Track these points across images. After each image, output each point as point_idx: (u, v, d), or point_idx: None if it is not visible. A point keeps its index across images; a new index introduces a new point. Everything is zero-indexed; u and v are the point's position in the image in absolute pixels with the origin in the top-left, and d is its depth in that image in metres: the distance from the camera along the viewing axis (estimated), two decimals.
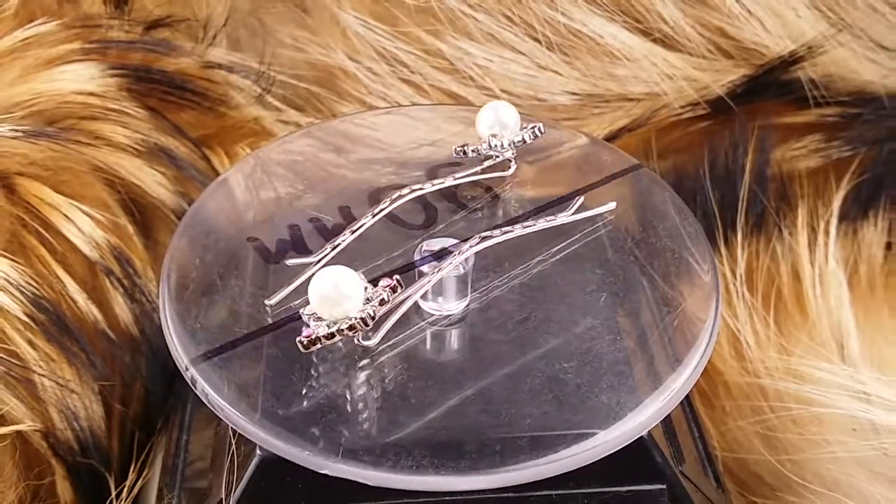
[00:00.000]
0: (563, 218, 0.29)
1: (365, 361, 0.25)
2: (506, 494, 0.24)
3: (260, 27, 0.39)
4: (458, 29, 0.37)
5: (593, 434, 0.23)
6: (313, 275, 0.24)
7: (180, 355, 0.25)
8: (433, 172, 0.31)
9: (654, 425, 0.24)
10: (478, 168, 0.30)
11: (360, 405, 0.24)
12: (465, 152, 0.30)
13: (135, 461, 0.31)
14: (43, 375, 0.30)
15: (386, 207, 0.28)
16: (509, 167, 0.30)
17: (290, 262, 0.27)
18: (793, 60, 0.38)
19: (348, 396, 0.24)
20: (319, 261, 0.27)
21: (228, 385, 0.24)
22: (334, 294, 0.24)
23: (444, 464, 0.23)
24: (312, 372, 0.25)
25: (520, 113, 0.31)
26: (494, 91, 0.38)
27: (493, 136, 0.30)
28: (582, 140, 0.33)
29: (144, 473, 0.31)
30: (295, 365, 0.25)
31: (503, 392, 0.24)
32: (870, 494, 0.30)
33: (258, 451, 0.24)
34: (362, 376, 0.25)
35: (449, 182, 0.30)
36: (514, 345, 0.26)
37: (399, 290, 0.25)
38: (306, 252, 0.27)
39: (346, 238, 0.27)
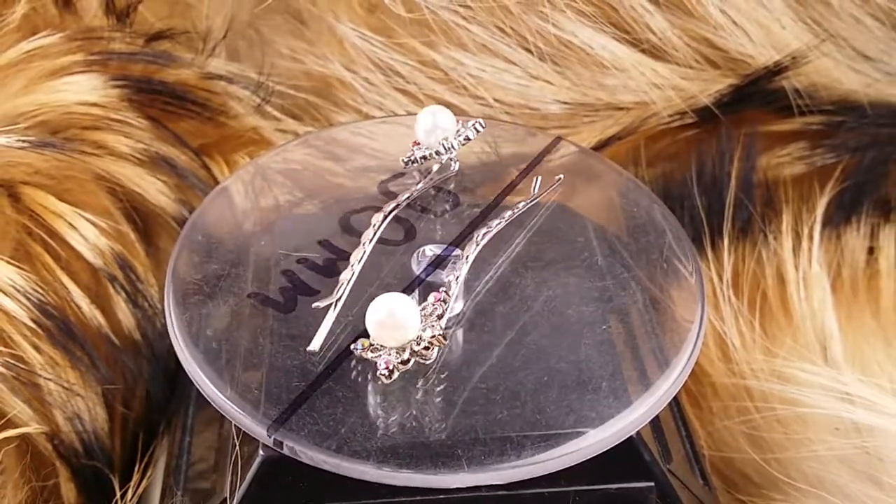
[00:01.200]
0: (530, 200, 0.30)
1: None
2: (498, 493, 0.24)
3: (258, 39, 0.39)
4: (451, 40, 0.38)
5: (584, 433, 0.24)
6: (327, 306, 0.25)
7: (255, 429, 0.24)
8: (386, 187, 0.31)
9: (643, 425, 0.25)
10: (434, 172, 0.31)
11: (360, 407, 0.25)
12: (415, 160, 0.30)
13: (138, 462, 0.31)
14: (48, 379, 0.31)
15: (377, 232, 0.28)
16: (451, 166, 0.31)
17: (316, 305, 0.26)
18: (778, 70, 0.38)
19: (352, 399, 0.25)
20: (340, 297, 0.26)
21: (323, 438, 0.24)
22: (393, 321, 0.24)
23: (439, 462, 0.23)
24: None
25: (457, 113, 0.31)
26: (487, 100, 0.38)
27: (445, 139, 0.31)
28: (519, 130, 0.34)
29: (148, 474, 0.31)
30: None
31: (496, 393, 0.25)
32: (851, 492, 0.30)
33: (261, 451, 0.24)
34: (363, 380, 0.25)
35: (416, 193, 0.30)
36: (506, 347, 0.26)
37: (448, 301, 0.25)
38: (314, 293, 0.27)
39: (354, 269, 0.27)
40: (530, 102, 0.38)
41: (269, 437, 0.24)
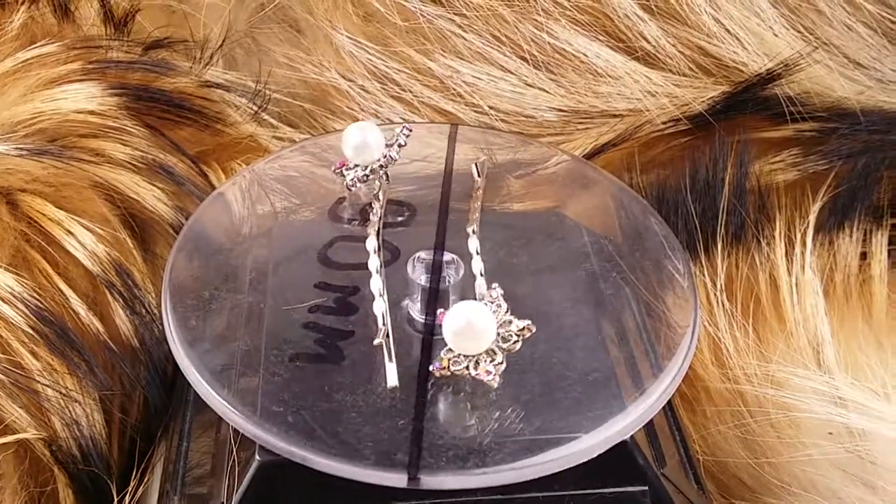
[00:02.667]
0: (480, 182, 0.31)
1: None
2: (494, 497, 0.25)
3: (255, 47, 0.39)
4: (447, 48, 0.38)
5: (577, 438, 0.24)
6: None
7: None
8: (336, 214, 0.31)
9: (636, 429, 0.25)
10: (381, 186, 0.31)
11: (359, 409, 0.25)
12: (361, 179, 0.31)
13: (136, 468, 0.31)
14: (46, 385, 0.31)
15: (381, 257, 0.28)
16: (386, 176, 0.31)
17: (378, 341, 0.26)
18: (770, 78, 0.38)
19: (347, 401, 0.25)
20: (387, 328, 0.26)
21: (462, 462, 0.24)
22: (473, 330, 0.25)
23: (435, 464, 0.24)
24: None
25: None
26: (482, 108, 0.39)
27: (388, 146, 0.31)
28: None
29: (145, 480, 0.31)
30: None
31: (491, 397, 0.25)
32: (845, 496, 0.30)
33: (257, 456, 0.24)
34: (362, 383, 0.26)
35: (382, 212, 0.30)
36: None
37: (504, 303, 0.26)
38: (349, 334, 0.27)
39: (384, 297, 0.27)
40: (525, 110, 0.39)
41: (412, 480, 0.23)
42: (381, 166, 0.31)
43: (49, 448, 0.31)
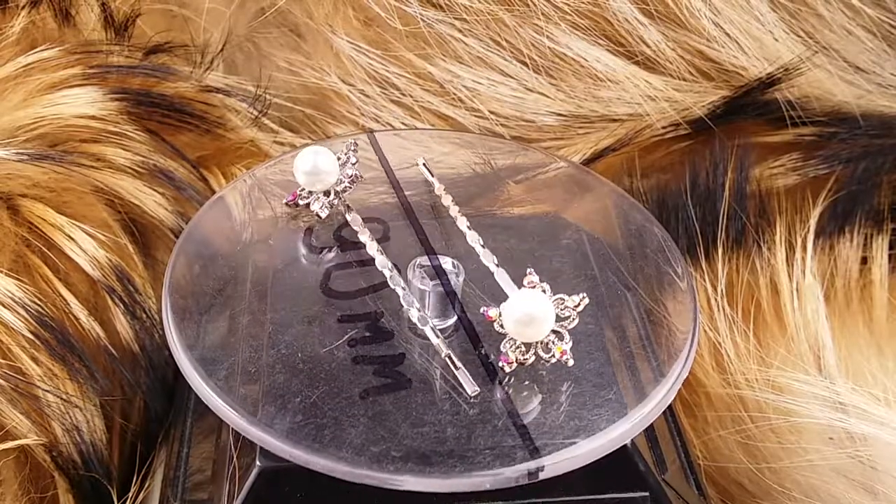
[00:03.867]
0: (434, 181, 0.31)
1: (366, 374, 0.26)
2: (495, 502, 0.25)
3: (256, 52, 0.39)
4: (447, 53, 0.38)
5: (577, 442, 0.24)
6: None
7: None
8: (310, 236, 0.30)
9: (637, 434, 0.25)
10: (340, 203, 0.30)
11: (359, 413, 0.25)
12: (331, 204, 0.30)
13: (136, 474, 0.32)
14: (47, 391, 0.31)
15: (404, 275, 0.28)
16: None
17: (459, 374, 0.26)
18: (770, 82, 0.39)
19: (347, 405, 0.25)
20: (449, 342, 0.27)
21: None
22: (531, 318, 0.25)
23: (432, 468, 0.24)
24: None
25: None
26: (483, 112, 0.39)
27: (351, 164, 0.30)
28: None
29: (146, 486, 0.31)
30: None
31: (491, 401, 0.25)
32: (846, 501, 0.30)
33: (258, 462, 0.25)
34: (363, 387, 0.26)
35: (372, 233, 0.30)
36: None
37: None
38: (400, 358, 0.27)
39: (432, 324, 0.27)
40: (525, 114, 0.39)
41: (533, 471, 0.24)
42: (345, 188, 0.30)
43: (50, 454, 0.31)
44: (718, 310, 0.35)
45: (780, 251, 0.36)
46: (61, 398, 0.31)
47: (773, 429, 0.32)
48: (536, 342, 0.26)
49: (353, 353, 0.27)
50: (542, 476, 0.24)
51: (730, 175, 0.38)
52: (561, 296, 0.26)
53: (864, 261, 0.37)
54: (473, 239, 0.29)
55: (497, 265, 0.28)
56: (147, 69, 0.36)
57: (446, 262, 0.28)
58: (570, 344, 0.26)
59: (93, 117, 0.34)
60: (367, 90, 0.39)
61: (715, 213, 0.37)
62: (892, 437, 0.30)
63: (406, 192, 0.33)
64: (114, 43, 0.36)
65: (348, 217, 0.30)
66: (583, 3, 0.37)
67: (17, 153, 0.32)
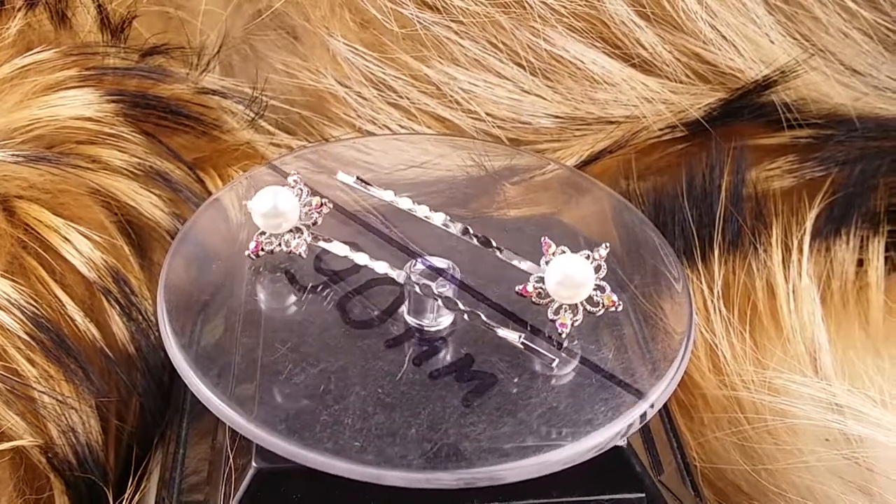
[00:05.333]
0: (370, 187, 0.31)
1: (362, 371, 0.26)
2: (494, 502, 0.25)
3: (252, 54, 0.39)
4: (444, 55, 0.38)
5: (572, 442, 0.24)
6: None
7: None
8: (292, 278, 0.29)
9: (632, 433, 0.25)
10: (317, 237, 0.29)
11: (356, 410, 0.25)
12: (307, 239, 0.29)
13: (132, 475, 0.32)
14: (42, 392, 0.31)
15: (421, 278, 0.28)
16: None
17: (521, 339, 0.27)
18: (767, 84, 0.39)
19: (341, 402, 0.25)
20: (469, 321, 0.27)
21: None
22: (573, 281, 0.26)
23: (429, 465, 0.24)
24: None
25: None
26: (479, 114, 0.39)
27: (308, 193, 0.29)
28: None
29: (142, 487, 0.31)
30: None
31: (486, 401, 0.25)
32: (841, 502, 0.30)
33: (254, 464, 0.25)
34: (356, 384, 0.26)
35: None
36: (499, 355, 0.27)
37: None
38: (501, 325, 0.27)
39: (463, 310, 0.27)
40: (522, 116, 0.39)
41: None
42: (315, 220, 0.29)
43: (45, 455, 0.31)
44: (715, 312, 0.35)
45: (776, 253, 0.36)
46: (57, 399, 0.31)
47: (769, 430, 0.32)
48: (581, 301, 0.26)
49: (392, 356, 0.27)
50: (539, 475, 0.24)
51: (726, 177, 0.38)
52: (585, 251, 0.27)
53: (861, 263, 0.38)
54: (439, 219, 0.29)
55: (471, 234, 0.28)
56: (143, 71, 0.36)
57: (441, 263, 0.28)
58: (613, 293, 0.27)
59: (89, 119, 0.34)
60: (364, 92, 0.39)
61: (711, 216, 0.37)
62: (888, 439, 0.30)
63: (403, 194, 0.33)
64: (110, 45, 0.36)
65: (329, 247, 0.29)
66: (579, 5, 0.37)
67: (14, 155, 0.32)
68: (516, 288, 0.27)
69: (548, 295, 0.27)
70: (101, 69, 0.36)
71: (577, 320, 0.27)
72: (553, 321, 0.27)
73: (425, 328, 0.27)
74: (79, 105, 0.34)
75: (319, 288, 0.29)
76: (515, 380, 0.26)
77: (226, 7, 0.39)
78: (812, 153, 0.39)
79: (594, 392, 0.26)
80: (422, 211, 0.30)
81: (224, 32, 0.38)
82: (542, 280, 0.27)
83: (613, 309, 0.27)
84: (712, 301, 0.35)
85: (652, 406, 0.26)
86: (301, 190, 0.29)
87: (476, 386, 0.26)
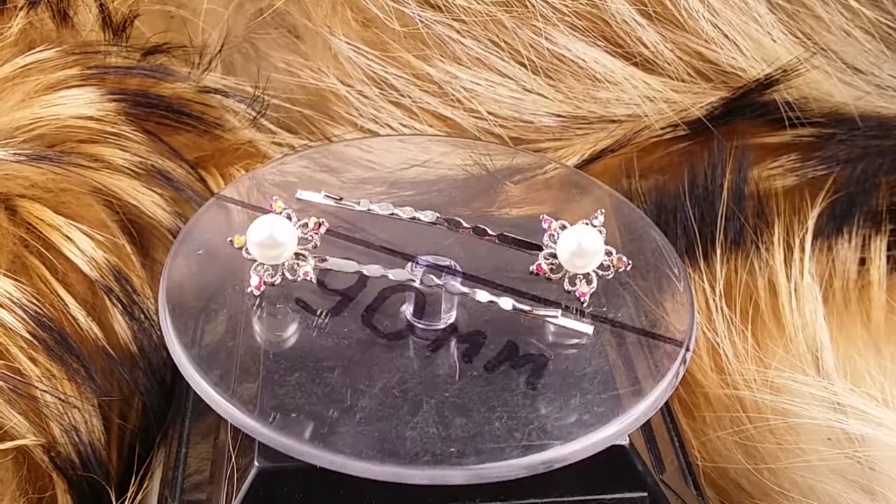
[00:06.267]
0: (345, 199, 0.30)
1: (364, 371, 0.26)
2: (494, 503, 0.25)
3: (254, 53, 0.39)
4: (445, 53, 0.38)
5: (573, 439, 0.24)
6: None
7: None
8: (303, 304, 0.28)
9: (632, 430, 0.25)
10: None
11: (357, 408, 0.25)
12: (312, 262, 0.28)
13: (135, 474, 0.32)
14: (45, 391, 0.31)
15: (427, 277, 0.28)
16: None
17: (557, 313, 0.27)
18: (769, 83, 0.39)
19: (345, 401, 0.25)
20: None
21: None
22: (582, 249, 0.28)
23: (429, 460, 0.24)
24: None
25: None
26: (481, 113, 0.39)
27: (320, 220, 0.28)
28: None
29: (144, 486, 0.31)
30: None
31: (486, 399, 0.25)
32: (844, 501, 0.30)
33: (256, 463, 0.25)
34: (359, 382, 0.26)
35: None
36: (500, 355, 0.27)
37: None
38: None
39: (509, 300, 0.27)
40: (524, 115, 0.39)
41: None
42: (315, 244, 0.28)
43: (48, 454, 0.31)
44: (717, 311, 0.35)
45: (778, 252, 0.36)
46: (59, 398, 0.31)
47: (771, 429, 0.32)
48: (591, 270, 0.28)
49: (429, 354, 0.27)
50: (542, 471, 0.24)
51: (728, 176, 0.38)
52: (584, 221, 0.28)
53: (863, 262, 0.38)
54: (428, 217, 0.29)
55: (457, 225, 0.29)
56: (145, 70, 0.36)
57: (442, 261, 0.28)
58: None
59: (91, 118, 0.34)
60: (366, 91, 0.39)
61: (713, 214, 0.37)
62: (890, 438, 0.30)
63: (406, 193, 0.33)
64: (112, 44, 0.36)
65: (335, 266, 0.28)
66: (581, 4, 0.37)
67: (16, 154, 0.32)
68: (530, 268, 0.28)
69: (560, 268, 0.28)
70: (103, 68, 0.36)
71: (593, 287, 0.28)
72: (571, 292, 0.28)
73: (431, 327, 0.27)
74: (80, 104, 0.34)
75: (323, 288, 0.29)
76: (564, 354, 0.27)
77: (227, 6, 0.39)
78: (814, 152, 0.39)
79: (594, 390, 0.26)
80: (406, 212, 0.29)
81: (226, 31, 0.38)
82: (552, 256, 0.28)
83: (622, 269, 0.28)
84: (714, 300, 0.35)
85: (652, 404, 0.26)
86: (290, 215, 0.28)
87: (533, 369, 0.26)
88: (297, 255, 0.28)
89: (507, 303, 0.27)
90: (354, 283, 0.28)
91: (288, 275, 0.28)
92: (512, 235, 0.29)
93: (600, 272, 0.28)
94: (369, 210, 0.30)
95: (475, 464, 0.24)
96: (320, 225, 0.28)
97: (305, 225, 0.28)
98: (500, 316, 0.27)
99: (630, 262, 0.28)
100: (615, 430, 0.25)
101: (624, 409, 0.25)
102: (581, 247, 0.28)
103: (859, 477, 0.31)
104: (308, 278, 0.27)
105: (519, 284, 0.28)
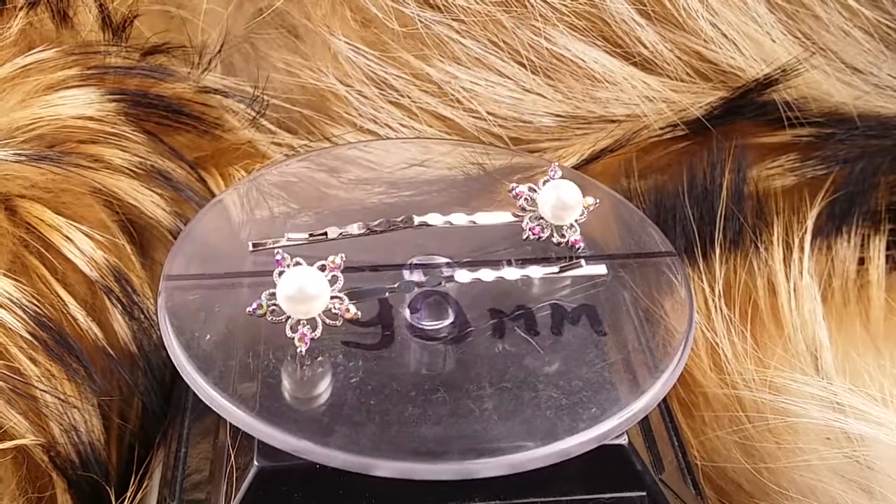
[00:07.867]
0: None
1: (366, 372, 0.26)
2: (492, 502, 0.25)
3: (253, 53, 0.39)
4: (445, 53, 0.38)
5: (570, 436, 0.24)
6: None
7: None
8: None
9: (629, 427, 0.25)
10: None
11: (357, 407, 0.25)
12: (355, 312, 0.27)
13: (134, 474, 0.32)
14: (44, 391, 0.31)
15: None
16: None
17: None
18: (768, 83, 0.39)
19: (347, 401, 0.25)
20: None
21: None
22: (562, 203, 0.30)
23: (428, 458, 0.24)
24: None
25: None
26: (480, 113, 0.39)
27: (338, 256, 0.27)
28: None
29: (144, 486, 0.31)
30: None
31: (486, 398, 0.25)
32: (843, 501, 0.30)
33: (255, 462, 0.25)
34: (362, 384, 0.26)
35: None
36: (500, 355, 0.27)
37: None
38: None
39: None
40: (523, 115, 0.39)
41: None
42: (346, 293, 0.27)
43: (47, 454, 0.31)
44: (716, 310, 0.35)
45: (777, 252, 0.36)
46: (59, 398, 0.31)
47: (770, 429, 0.32)
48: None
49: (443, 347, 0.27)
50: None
51: (727, 176, 0.38)
52: (545, 179, 0.30)
53: (862, 261, 0.38)
54: (436, 220, 0.30)
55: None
56: (145, 70, 0.36)
57: (440, 260, 0.28)
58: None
59: (90, 118, 0.34)
60: (365, 91, 0.39)
61: (712, 214, 0.37)
62: (889, 437, 0.30)
63: (405, 193, 0.33)
64: (111, 44, 0.36)
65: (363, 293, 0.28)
66: (580, 4, 0.37)
67: (15, 154, 0.32)
68: (525, 235, 0.30)
69: (548, 226, 0.30)
70: (103, 68, 0.36)
71: (578, 234, 0.30)
72: (562, 243, 0.30)
73: (436, 326, 0.27)
74: (80, 104, 0.34)
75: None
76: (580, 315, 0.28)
77: (227, 6, 0.39)
78: (813, 152, 0.39)
79: (593, 388, 0.26)
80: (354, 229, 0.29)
81: (225, 31, 0.38)
82: (537, 218, 0.30)
83: (592, 208, 0.30)
84: (713, 299, 0.35)
85: (650, 402, 0.26)
86: (298, 261, 0.26)
87: (591, 321, 0.28)
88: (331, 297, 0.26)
89: (537, 271, 0.28)
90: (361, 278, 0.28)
91: (329, 321, 0.26)
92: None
93: (581, 219, 0.30)
94: (325, 235, 0.29)
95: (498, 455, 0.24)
96: (342, 261, 0.26)
97: (323, 267, 0.26)
98: (500, 290, 0.28)
99: (598, 200, 0.30)
100: (613, 426, 0.25)
101: (622, 407, 0.25)
102: (562, 199, 0.30)
103: (858, 476, 0.31)
104: (358, 317, 0.26)
105: (513, 256, 0.30)
